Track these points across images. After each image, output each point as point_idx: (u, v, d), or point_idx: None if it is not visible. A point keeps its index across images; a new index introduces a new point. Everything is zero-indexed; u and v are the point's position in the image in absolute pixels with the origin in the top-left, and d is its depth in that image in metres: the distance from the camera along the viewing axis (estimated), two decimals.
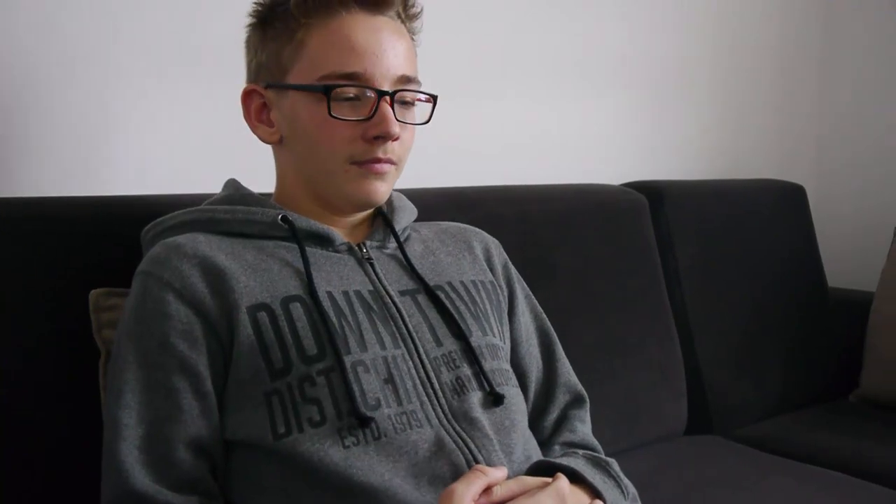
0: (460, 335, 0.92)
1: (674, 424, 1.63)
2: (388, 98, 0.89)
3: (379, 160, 0.90)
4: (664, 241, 1.74)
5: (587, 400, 1.08)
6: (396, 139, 0.90)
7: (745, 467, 1.49)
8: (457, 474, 0.81)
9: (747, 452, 1.57)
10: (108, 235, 1.02)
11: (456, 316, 0.93)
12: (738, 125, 2.24)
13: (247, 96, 0.96)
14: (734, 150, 2.23)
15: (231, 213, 0.92)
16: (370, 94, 0.89)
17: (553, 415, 1.04)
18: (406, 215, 1.02)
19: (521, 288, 1.08)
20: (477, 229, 1.10)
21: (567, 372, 1.07)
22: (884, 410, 1.83)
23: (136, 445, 0.81)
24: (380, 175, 0.91)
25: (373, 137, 0.89)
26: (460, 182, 1.48)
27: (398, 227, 0.99)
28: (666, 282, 1.70)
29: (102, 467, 0.83)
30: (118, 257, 0.99)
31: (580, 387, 1.08)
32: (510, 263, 1.09)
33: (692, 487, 1.36)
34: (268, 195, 1.00)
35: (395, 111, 0.90)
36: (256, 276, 0.87)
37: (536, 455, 0.92)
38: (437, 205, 1.13)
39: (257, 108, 0.95)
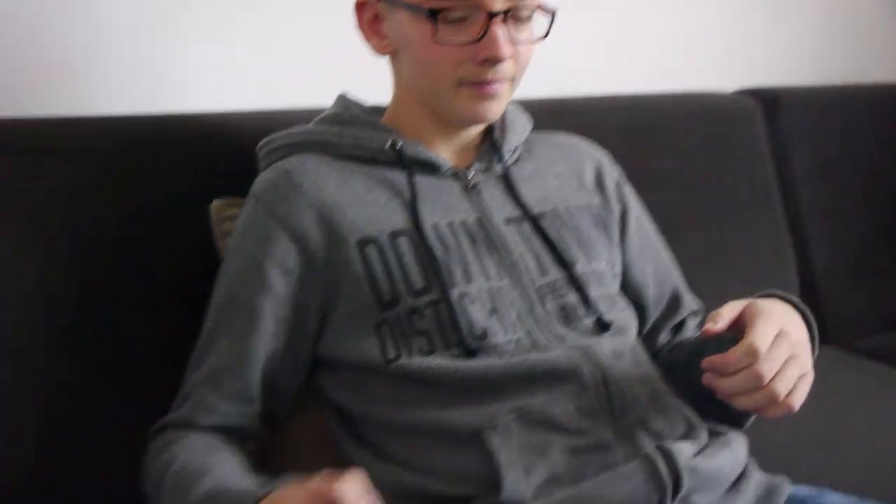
0: (564, 264, 0.91)
1: None
2: (499, 17, 0.85)
3: (489, 82, 0.87)
4: (779, 150, 1.68)
5: (703, 312, 1.06)
6: (507, 60, 0.86)
7: (863, 379, 1.46)
8: (572, 361, 0.82)
9: (864, 365, 1.53)
10: (228, 148, 1.06)
11: (560, 245, 0.92)
12: (861, 23, 2.11)
13: (360, 7, 0.93)
14: (857, 52, 2.11)
15: (340, 136, 0.93)
16: (480, 13, 0.85)
17: (673, 323, 1.04)
18: (517, 134, 0.99)
19: (635, 205, 1.05)
20: (590, 144, 1.07)
21: (685, 285, 1.07)
22: None
23: (209, 352, 0.88)
24: (491, 95, 0.89)
25: (482, 60, 0.86)
26: (564, 92, 1.46)
27: (508, 147, 0.97)
28: (780, 191, 1.64)
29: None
30: (238, 170, 1.02)
31: (697, 302, 1.07)
32: (624, 179, 1.06)
33: (807, 399, 1.34)
34: (381, 109, 1.01)
35: (510, 28, 0.86)
36: (364, 208, 0.88)
37: (647, 363, 0.91)
38: (540, 116, 1.12)
39: (370, 19, 0.93)
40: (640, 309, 1.01)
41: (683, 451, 0.78)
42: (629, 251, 1.02)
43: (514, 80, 0.90)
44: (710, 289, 1.44)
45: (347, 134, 0.93)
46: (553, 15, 0.90)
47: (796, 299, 0.88)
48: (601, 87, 1.55)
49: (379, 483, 0.69)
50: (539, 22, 0.90)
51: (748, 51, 1.93)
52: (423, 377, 0.82)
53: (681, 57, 1.82)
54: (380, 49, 0.94)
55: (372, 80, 1.01)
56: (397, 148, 0.91)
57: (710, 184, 1.53)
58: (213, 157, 1.07)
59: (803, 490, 0.86)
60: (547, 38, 0.91)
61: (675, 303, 1.04)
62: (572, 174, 1.02)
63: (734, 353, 0.74)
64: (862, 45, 2.12)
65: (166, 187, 1.05)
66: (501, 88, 0.89)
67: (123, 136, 1.06)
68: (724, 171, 1.55)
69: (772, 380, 0.73)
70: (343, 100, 0.99)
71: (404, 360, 0.83)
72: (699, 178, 1.51)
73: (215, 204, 1.02)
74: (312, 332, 0.89)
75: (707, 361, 0.75)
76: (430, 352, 0.83)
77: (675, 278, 1.06)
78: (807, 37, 2.02)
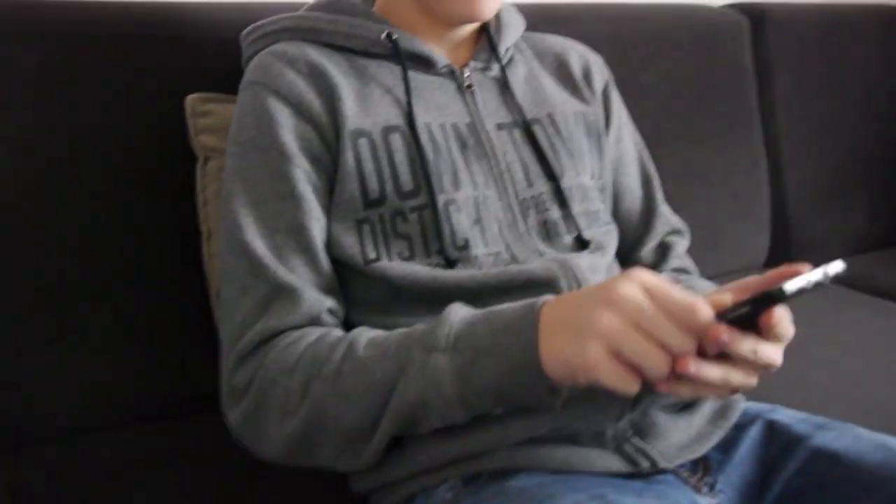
0: (552, 176, 0.90)
1: (754, 256, 1.63)
2: None
3: None
4: (763, 68, 1.67)
5: (687, 233, 1.05)
6: None
7: (822, 301, 1.48)
8: (550, 272, 0.81)
9: (830, 289, 1.55)
10: (204, 40, 1.03)
11: (550, 155, 0.90)
12: None
13: None
14: None
15: (334, 23, 0.89)
16: None
17: (652, 243, 1.02)
18: (513, 31, 0.97)
19: (619, 114, 1.03)
20: (580, 46, 1.05)
21: (666, 205, 1.05)
22: None
23: (269, 246, 0.79)
24: None
25: None
26: None
27: (503, 47, 0.95)
28: (760, 111, 1.64)
29: (223, 301, 0.81)
30: (214, 62, 1.00)
31: (680, 222, 1.05)
32: (612, 85, 1.04)
33: None
34: (371, 1, 0.98)
35: None
36: (360, 100, 0.85)
37: None
38: (527, 21, 1.10)
39: None
40: (613, 216, 1.00)
41: None
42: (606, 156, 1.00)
43: None
44: (683, 205, 1.47)
45: (342, 22, 0.89)
46: None
47: None
48: None
49: None
50: None
51: None
52: (402, 283, 0.81)
53: None
54: None
55: None
56: (393, 39, 0.88)
57: (692, 99, 1.52)
58: (190, 48, 1.04)
59: (756, 406, 0.89)
60: None
61: (650, 219, 1.03)
62: (566, 78, 1.00)
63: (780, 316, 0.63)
64: None
65: (142, 78, 1.02)
66: None
67: (96, 23, 1.03)
68: (706, 87, 1.54)
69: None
70: None
71: (384, 262, 0.82)
72: (682, 92, 1.51)
73: (190, 98, 1.00)
74: None
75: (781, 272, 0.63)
76: (410, 258, 0.83)
77: (654, 195, 1.04)
78: None
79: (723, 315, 0.62)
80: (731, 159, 1.57)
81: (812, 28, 1.76)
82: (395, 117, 0.86)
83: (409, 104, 0.86)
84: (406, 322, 0.77)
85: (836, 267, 0.61)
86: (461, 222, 0.84)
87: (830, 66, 1.78)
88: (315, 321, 0.79)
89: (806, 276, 0.60)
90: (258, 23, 0.94)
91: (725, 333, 0.60)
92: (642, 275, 0.63)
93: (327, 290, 0.81)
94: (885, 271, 1.70)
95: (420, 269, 0.82)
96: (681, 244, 1.03)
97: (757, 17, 1.67)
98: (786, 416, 0.87)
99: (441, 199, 0.83)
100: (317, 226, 0.82)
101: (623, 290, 0.62)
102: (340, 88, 0.85)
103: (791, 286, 0.59)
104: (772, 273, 0.66)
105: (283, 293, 0.78)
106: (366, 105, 0.85)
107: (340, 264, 0.84)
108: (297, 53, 0.86)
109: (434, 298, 0.79)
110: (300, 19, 0.91)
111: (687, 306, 0.60)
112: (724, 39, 1.59)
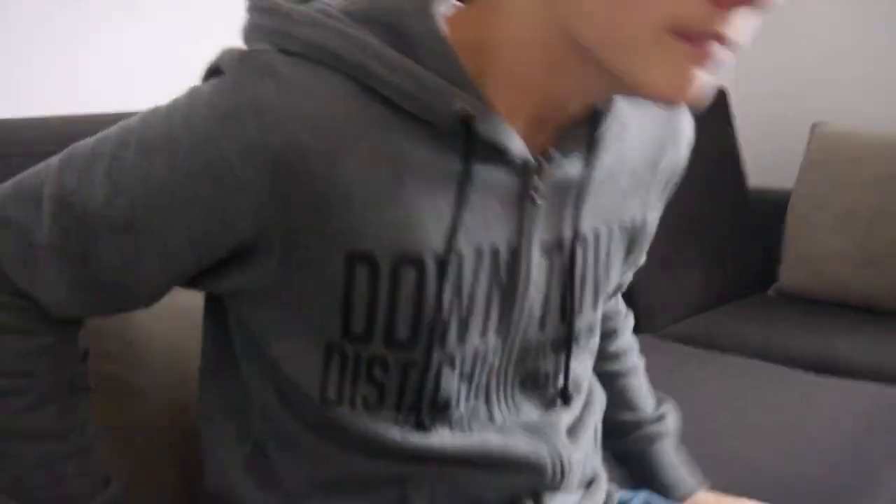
0: (571, 310, 0.69)
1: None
2: None
3: (722, 39, 0.52)
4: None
5: (630, 314, 1.02)
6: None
7: (675, 362, 1.54)
8: (537, 455, 0.70)
9: (675, 348, 1.64)
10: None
11: (577, 287, 0.69)
12: None
13: None
14: None
15: (392, 72, 0.57)
16: None
17: (608, 329, 0.94)
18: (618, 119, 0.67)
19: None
20: (684, 138, 0.77)
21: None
22: (801, 302, 1.92)
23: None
24: (714, 62, 0.53)
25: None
26: None
27: (605, 142, 0.65)
28: None
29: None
30: None
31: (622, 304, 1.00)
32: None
33: None
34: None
35: None
36: (380, 210, 0.59)
37: (592, 426, 0.78)
38: None
39: None
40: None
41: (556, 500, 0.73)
42: None
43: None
44: None
45: (407, 73, 0.58)
46: None
47: None
48: None
49: None
50: None
51: None
52: (360, 438, 0.66)
53: None
54: None
55: None
56: (468, 123, 0.59)
57: None
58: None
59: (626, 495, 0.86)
60: None
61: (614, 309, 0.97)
62: (644, 177, 0.73)
63: None
64: None
65: None
66: (728, 59, 0.54)
67: None
68: None
69: None
70: None
71: (345, 410, 0.65)
72: None
73: None
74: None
75: None
76: (376, 407, 0.66)
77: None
78: None
79: None
80: None
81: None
82: (420, 241, 0.61)
83: (454, 230, 0.61)
84: (352, 471, 0.68)
85: None
86: (448, 381, 0.66)
87: None
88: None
89: None
90: (284, 7, 0.60)
91: None
92: None
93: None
94: (727, 328, 1.80)
95: (385, 431, 0.66)
96: (626, 330, 0.99)
97: None
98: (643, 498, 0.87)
99: (436, 359, 0.65)
100: (146, 291, 0.64)
101: None
102: (353, 187, 0.58)
103: None
104: None
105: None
106: (384, 219, 0.60)
107: (292, 383, 0.66)
108: (316, 101, 0.57)
109: (393, 457, 0.67)
110: (349, 40, 0.58)
111: None
112: None
